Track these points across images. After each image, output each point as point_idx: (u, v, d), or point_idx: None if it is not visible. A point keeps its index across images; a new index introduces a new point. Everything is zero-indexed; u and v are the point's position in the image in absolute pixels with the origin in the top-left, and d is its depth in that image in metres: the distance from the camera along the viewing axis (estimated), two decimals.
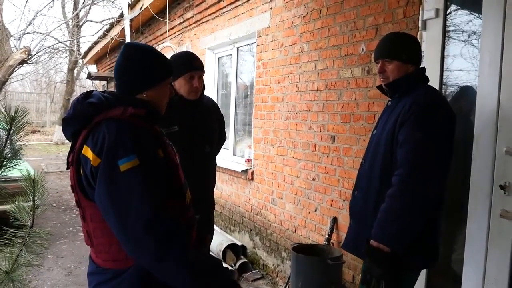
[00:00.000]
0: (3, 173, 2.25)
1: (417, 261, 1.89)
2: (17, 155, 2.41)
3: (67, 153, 1.50)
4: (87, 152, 1.35)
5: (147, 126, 1.45)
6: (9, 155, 2.25)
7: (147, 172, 1.34)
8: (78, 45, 16.51)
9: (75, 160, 1.40)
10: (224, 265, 3.93)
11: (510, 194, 2.08)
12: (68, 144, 1.51)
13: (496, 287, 2.16)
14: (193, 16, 5.81)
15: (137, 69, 1.50)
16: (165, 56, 1.60)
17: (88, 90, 1.54)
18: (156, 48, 2.07)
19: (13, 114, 2.14)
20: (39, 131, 21.04)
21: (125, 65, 1.51)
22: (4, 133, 2.19)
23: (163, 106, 1.59)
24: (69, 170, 1.47)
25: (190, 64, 2.44)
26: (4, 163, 2.26)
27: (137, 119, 1.43)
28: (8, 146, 2.30)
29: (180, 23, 6.25)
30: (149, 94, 1.51)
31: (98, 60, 13.22)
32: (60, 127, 15.06)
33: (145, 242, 1.29)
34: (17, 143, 2.31)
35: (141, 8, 6.79)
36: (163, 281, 1.35)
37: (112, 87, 11.94)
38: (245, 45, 4.96)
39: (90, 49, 12.29)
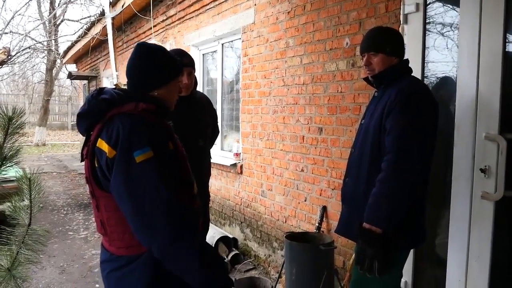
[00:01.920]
0: (3, 172, 2.29)
1: (406, 241, 2.01)
2: (16, 155, 2.45)
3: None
4: (102, 145, 1.43)
5: (157, 120, 1.54)
6: (9, 155, 2.30)
7: (160, 163, 1.43)
8: (57, 45, 16.25)
9: (89, 153, 1.48)
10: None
11: (490, 176, 2.22)
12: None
13: (478, 265, 2.30)
14: (176, 14, 5.85)
15: (150, 69, 1.58)
16: (174, 56, 1.69)
17: (101, 87, 1.61)
18: None
19: (10, 114, 2.19)
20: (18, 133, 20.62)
21: (138, 64, 1.59)
22: (2, 134, 2.24)
23: (172, 103, 1.69)
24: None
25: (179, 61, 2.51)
26: (4, 162, 2.30)
27: (148, 114, 1.52)
28: (7, 146, 2.35)
29: (163, 21, 6.27)
30: (160, 92, 1.60)
31: (78, 59, 13.10)
32: (40, 128, 14.76)
33: (160, 227, 1.38)
34: (15, 143, 2.36)
35: (122, 6, 6.78)
36: (172, 267, 1.44)
37: (93, 86, 11.84)
38: (230, 41, 5.02)
39: (69, 48, 12.15)
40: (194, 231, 1.44)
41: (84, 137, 1.58)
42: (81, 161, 1.58)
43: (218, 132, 3.02)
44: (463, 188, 2.36)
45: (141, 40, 7.09)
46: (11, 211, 2.20)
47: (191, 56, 2.58)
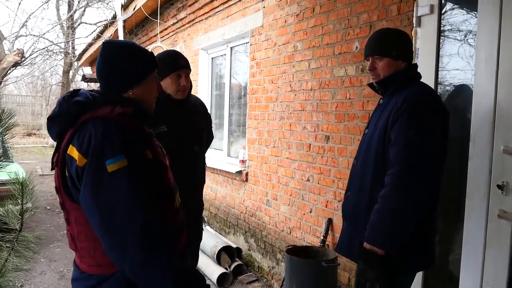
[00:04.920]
0: None
1: (412, 263, 1.84)
2: (6, 157, 2.35)
3: (52, 153, 1.46)
4: (73, 151, 1.30)
5: (135, 126, 1.41)
6: None
7: (135, 173, 1.29)
8: (73, 47, 16.42)
9: (60, 160, 1.35)
10: (219, 272, 3.90)
11: (508, 194, 2.03)
12: None
13: None
14: (186, 16, 5.75)
15: (119, 68, 1.44)
16: (146, 50, 1.55)
17: (76, 88, 1.49)
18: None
19: None
20: (34, 134, 20.91)
21: (106, 65, 1.46)
22: None
23: (152, 103, 1.55)
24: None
25: (176, 63, 2.39)
26: None
27: (126, 118, 1.38)
28: None
29: (173, 24, 6.19)
30: (135, 91, 1.47)
31: (92, 62, 13.13)
32: None
33: (132, 246, 1.24)
34: (6, 145, 2.27)
35: (134, 9, 6.72)
36: None
37: None
38: (239, 45, 4.90)
39: (84, 51, 12.21)
40: (169, 252, 1.29)
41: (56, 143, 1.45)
42: (51, 169, 1.45)
43: (213, 137, 2.89)
44: (478, 206, 2.16)
45: (152, 43, 7.03)
46: (3, 216, 2.09)
47: (186, 58, 2.46)
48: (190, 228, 1.71)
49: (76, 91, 1.44)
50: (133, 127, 1.39)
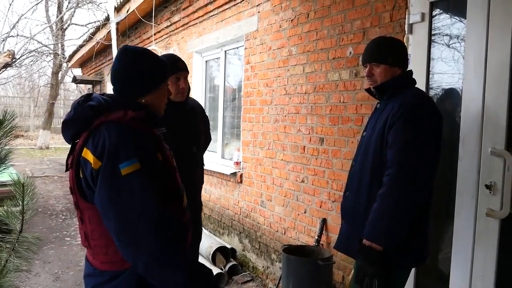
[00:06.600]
0: None
1: (408, 259, 1.93)
2: (6, 159, 2.39)
3: (66, 155, 1.52)
4: (88, 154, 1.36)
5: (146, 129, 1.47)
6: None
7: (148, 175, 1.36)
8: (63, 49, 16.33)
9: (74, 163, 1.41)
10: (214, 272, 3.96)
11: (496, 193, 2.13)
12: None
13: (482, 284, 2.21)
14: (180, 20, 5.81)
15: (135, 75, 1.50)
16: (161, 59, 1.61)
17: (88, 93, 1.55)
18: None
19: (1, 118, 2.13)
20: (22, 135, 20.69)
21: (122, 70, 1.51)
22: None
23: (162, 108, 1.62)
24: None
25: (175, 65, 2.45)
26: None
27: (137, 122, 1.45)
28: None
29: (167, 27, 6.24)
30: (148, 98, 1.53)
31: (83, 63, 13.11)
32: (44, 131, 14.78)
33: (147, 244, 1.31)
34: (6, 147, 2.30)
35: (127, 11, 6.76)
36: (156, 285, 1.37)
37: (97, 91, 11.83)
38: (233, 49, 4.97)
39: (75, 52, 12.18)
40: (182, 247, 1.37)
41: (70, 146, 1.51)
42: (66, 171, 1.52)
43: (210, 139, 2.96)
44: (467, 205, 2.27)
45: (145, 46, 7.07)
46: (3, 217, 2.13)
47: (183, 61, 2.53)
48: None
49: (89, 96, 1.50)
50: (144, 130, 1.46)
